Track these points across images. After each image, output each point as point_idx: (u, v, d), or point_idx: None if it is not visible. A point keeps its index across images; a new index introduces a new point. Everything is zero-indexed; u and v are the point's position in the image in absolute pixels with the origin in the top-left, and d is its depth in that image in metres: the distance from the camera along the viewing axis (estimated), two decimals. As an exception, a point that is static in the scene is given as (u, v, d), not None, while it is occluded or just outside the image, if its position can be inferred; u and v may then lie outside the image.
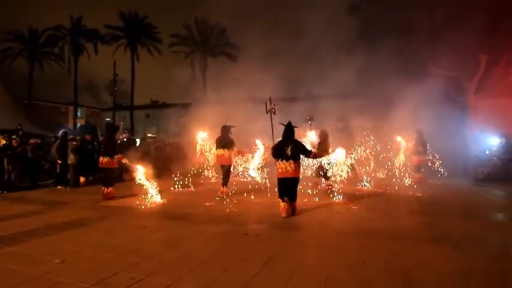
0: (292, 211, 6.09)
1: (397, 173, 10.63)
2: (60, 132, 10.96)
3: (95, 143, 12.39)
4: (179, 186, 9.61)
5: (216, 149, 8.55)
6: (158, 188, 7.92)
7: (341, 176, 8.65)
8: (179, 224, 5.69)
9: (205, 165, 10.62)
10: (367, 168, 10.62)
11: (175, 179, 9.68)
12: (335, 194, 7.50)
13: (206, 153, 9.71)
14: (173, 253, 4.08)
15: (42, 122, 19.38)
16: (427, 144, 10.37)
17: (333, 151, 7.73)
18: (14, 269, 3.63)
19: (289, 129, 6.40)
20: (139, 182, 7.83)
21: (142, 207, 7.15)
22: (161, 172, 11.01)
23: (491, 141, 11.47)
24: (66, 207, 7.22)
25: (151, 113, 44.15)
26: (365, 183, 9.35)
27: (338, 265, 3.67)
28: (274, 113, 7.02)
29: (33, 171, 10.77)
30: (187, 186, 9.70)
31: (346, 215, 6.13)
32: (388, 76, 11.65)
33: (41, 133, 15.25)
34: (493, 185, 9.90)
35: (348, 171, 8.64)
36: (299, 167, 6.26)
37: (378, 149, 10.65)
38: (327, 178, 8.85)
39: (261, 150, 9.13)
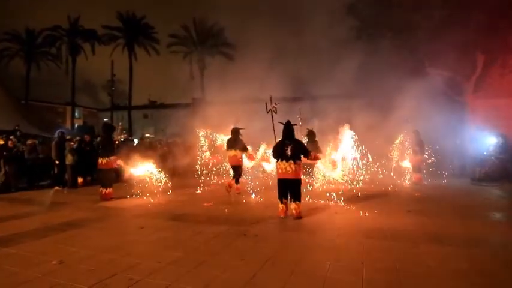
0: (297, 213, 5.85)
1: (394, 173, 10.68)
2: (57, 132, 10.89)
3: (93, 143, 12.33)
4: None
5: (228, 150, 8.87)
6: (158, 189, 7.93)
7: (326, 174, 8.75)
8: (178, 224, 5.67)
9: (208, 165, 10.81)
10: (363, 167, 10.60)
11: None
12: (331, 193, 7.49)
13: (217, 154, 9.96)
14: (172, 254, 4.06)
15: (39, 122, 19.28)
16: (424, 144, 10.40)
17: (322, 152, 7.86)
18: (11, 270, 3.61)
19: (288, 129, 6.23)
20: (138, 182, 7.83)
21: (141, 207, 7.13)
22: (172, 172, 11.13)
23: (489, 141, 11.49)
24: (64, 208, 7.19)
25: (149, 113, 44.07)
26: (354, 181, 9.28)
27: (337, 265, 3.67)
28: (276, 112, 6.97)
29: (30, 172, 10.72)
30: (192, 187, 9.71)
31: (345, 215, 6.13)
32: (385, 76, 11.67)
33: (39, 134, 15.17)
34: (491, 185, 9.92)
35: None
36: (300, 168, 6.08)
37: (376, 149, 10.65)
38: (310, 176, 8.95)
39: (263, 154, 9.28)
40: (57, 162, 10.37)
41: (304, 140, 8.80)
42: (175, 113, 39.74)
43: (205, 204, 7.42)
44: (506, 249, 4.29)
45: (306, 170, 9.14)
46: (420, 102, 10.35)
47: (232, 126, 9.01)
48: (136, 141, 18.33)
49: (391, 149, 10.93)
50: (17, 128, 13.39)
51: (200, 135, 10.07)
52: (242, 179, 9.86)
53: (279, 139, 6.43)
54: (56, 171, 10.70)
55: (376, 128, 10.88)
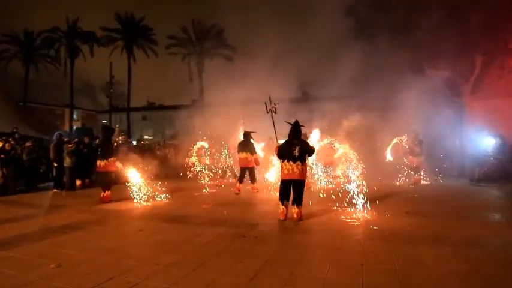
0: (299, 217, 5.76)
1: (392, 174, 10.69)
2: (55, 134, 10.86)
3: (93, 145, 12.30)
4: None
5: (239, 153, 9.21)
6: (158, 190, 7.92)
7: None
8: (176, 226, 5.65)
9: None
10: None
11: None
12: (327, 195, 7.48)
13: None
14: (170, 256, 4.04)
15: (37, 124, 19.25)
16: (423, 145, 10.41)
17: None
18: (8, 273, 3.58)
19: (296, 129, 6.07)
20: (136, 184, 7.81)
21: (139, 209, 7.11)
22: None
23: (487, 142, 11.51)
24: (62, 210, 7.15)
25: (148, 115, 44.08)
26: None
27: (336, 267, 3.66)
28: (275, 112, 6.93)
29: (28, 175, 10.68)
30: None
31: (343, 216, 6.11)
32: (384, 77, 11.69)
33: (37, 136, 15.14)
34: (490, 185, 9.93)
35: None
36: (306, 169, 5.99)
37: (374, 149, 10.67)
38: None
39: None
40: (55, 164, 10.34)
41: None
42: (174, 115, 39.87)
43: (204, 206, 7.41)
44: (505, 249, 4.28)
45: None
46: (419, 103, 10.36)
47: (244, 130, 9.49)
48: (134, 143, 18.31)
49: (388, 149, 10.93)
50: (15, 130, 13.35)
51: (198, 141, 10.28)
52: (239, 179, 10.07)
53: (282, 139, 6.34)
54: (54, 174, 10.67)
55: (375, 128, 10.89)
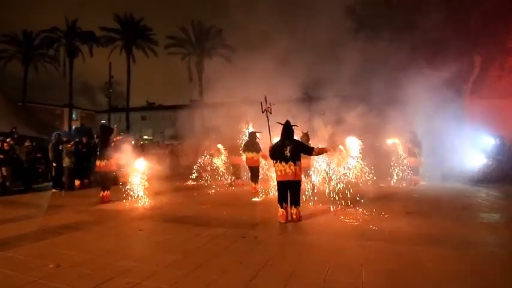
0: (297, 217, 5.73)
1: (392, 174, 10.67)
2: (54, 134, 10.83)
3: (92, 145, 12.28)
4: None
5: (246, 152, 9.51)
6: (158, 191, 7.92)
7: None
8: (176, 227, 5.64)
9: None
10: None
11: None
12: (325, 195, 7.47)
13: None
14: (170, 256, 4.04)
15: (37, 124, 19.22)
16: (422, 145, 10.40)
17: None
18: (7, 274, 3.57)
19: (287, 129, 6.01)
20: (135, 185, 7.79)
21: (139, 210, 7.10)
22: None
23: (487, 142, 11.52)
24: (61, 210, 7.14)
25: (147, 115, 44.09)
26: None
27: (336, 267, 3.65)
28: (271, 113, 6.91)
29: (27, 175, 10.66)
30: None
31: (343, 217, 6.11)
32: (383, 77, 11.69)
33: (36, 136, 15.11)
34: (489, 186, 9.93)
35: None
36: (300, 169, 5.88)
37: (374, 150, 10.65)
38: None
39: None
40: (54, 164, 10.31)
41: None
42: (174, 115, 39.87)
43: (204, 207, 7.40)
44: (504, 250, 4.28)
45: (307, 172, 9.18)
46: (418, 103, 10.36)
47: (249, 130, 9.72)
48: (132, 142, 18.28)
49: (387, 149, 10.93)
50: (14, 130, 13.32)
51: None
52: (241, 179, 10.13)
53: (277, 139, 6.24)
54: (53, 174, 10.65)
55: (375, 129, 10.88)
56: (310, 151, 6.07)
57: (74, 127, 35.84)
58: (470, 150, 11.41)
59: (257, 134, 9.48)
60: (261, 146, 9.53)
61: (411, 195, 8.61)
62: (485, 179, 10.62)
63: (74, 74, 36.25)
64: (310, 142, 9.10)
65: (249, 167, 9.72)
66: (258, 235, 4.96)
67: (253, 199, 8.30)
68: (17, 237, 4.96)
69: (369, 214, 6.23)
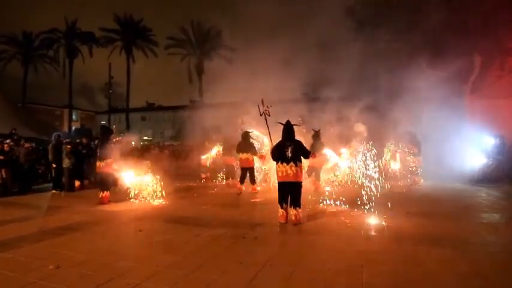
0: (297, 219, 5.61)
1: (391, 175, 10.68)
2: (54, 135, 10.82)
3: (91, 146, 12.27)
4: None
5: (240, 153, 9.26)
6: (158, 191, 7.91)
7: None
8: (176, 227, 5.63)
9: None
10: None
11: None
12: (327, 196, 7.45)
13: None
14: (170, 257, 4.03)
15: (36, 125, 19.23)
16: (421, 145, 10.41)
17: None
18: (7, 275, 3.56)
19: (288, 129, 5.95)
20: (135, 185, 7.80)
21: (139, 210, 7.10)
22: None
23: (487, 142, 11.51)
24: (61, 211, 7.13)
25: (147, 115, 44.09)
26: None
27: (336, 268, 3.65)
28: (269, 115, 6.90)
29: (27, 176, 10.64)
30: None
31: (343, 218, 6.10)
32: (383, 77, 11.68)
33: (36, 137, 15.11)
34: (489, 186, 9.93)
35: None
36: (301, 170, 5.81)
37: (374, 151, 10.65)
38: (318, 179, 9.01)
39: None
40: (54, 165, 10.30)
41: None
42: (174, 116, 39.88)
43: (204, 207, 7.39)
44: (505, 250, 4.28)
45: (311, 173, 9.16)
46: (418, 103, 10.36)
47: (244, 131, 9.48)
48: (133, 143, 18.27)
49: (387, 150, 10.94)
50: (13, 131, 13.31)
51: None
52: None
53: (278, 140, 6.19)
54: (53, 175, 10.64)
55: (374, 130, 10.88)
56: (307, 154, 6.00)
57: (73, 128, 35.84)
58: (471, 150, 11.40)
59: (257, 134, 9.41)
60: (258, 147, 9.53)
61: (411, 195, 8.60)
62: (486, 178, 10.61)
63: (74, 74, 36.34)
64: (322, 141, 9.07)
65: (242, 168, 9.39)
66: (258, 235, 4.96)
67: (252, 199, 8.32)
68: (17, 238, 4.95)
69: (369, 214, 6.23)
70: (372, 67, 11.83)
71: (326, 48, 11.77)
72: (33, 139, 13.83)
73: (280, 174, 5.79)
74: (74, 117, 40.78)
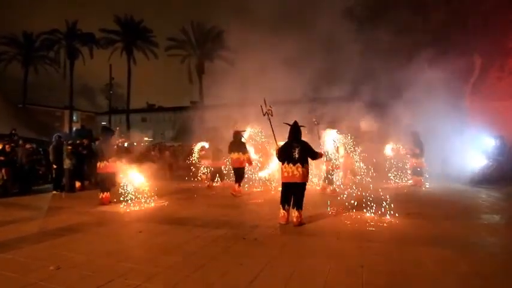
0: (299, 221, 5.58)
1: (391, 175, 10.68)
2: (54, 136, 10.82)
3: (92, 147, 12.26)
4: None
5: (231, 153, 9.02)
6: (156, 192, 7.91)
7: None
8: (176, 228, 5.63)
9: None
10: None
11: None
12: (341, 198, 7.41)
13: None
14: (170, 258, 4.03)
15: (37, 126, 19.21)
16: (424, 146, 10.40)
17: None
18: (8, 276, 3.57)
19: (295, 130, 5.91)
20: (135, 186, 7.80)
21: (139, 211, 7.10)
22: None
23: (487, 143, 11.51)
24: (61, 212, 7.14)
25: (148, 116, 44.11)
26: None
27: (336, 269, 3.65)
28: (272, 115, 6.89)
29: (27, 176, 10.65)
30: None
31: (344, 219, 6.10)
32: (384, 78, 11.68)
33: (36, 137, 15.11)
34: (489, 187, 9.92)
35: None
36: (308, 172, 5.76)
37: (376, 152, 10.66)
38: (331, 183, 8.87)
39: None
40: (54, 166, 10.31)
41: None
42: (174, 117, 39.91)
43: (204, 208, 7.39)
44: (504, 251, 4.28)
45: (327, 177, 9.01)
46: (418, 104, 10.37)
47: (234, 130, 9.22)
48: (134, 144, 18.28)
49: (389, 151, 10.93)
50: (13, 132, 13.31)
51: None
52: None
53: (284, 141, 6.15)
54: (53, 176, 10.64)
55: (374, 130, 10.88)
56: (315, 155, 5.94)
57: (74, 129, 35.84)
58: (471, 151, 11.41)
59: (255, 133, 9.33)
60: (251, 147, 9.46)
61: (412, 196, 8.60)
62: (486, 179, 10.61)
63: (74, 75, 36.36)
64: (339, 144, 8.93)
65: (233, 168, 9.21)
66: (258, 236, 4.96)
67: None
68: (17, 239, 4.96)
69: (369, 215, 6.23)
70: (372, 67, 11.84)
71: (329, 49, 11.77)
72: (34, 140, 13.83)
73: (285, 174, 5.74)
74: (74, 118, 40.81)
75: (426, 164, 10.55)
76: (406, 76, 10.99)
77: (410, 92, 10.58)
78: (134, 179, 7.95)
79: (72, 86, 36.16)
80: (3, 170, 9.75)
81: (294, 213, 5.67)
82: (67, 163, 10.28)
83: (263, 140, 9.88)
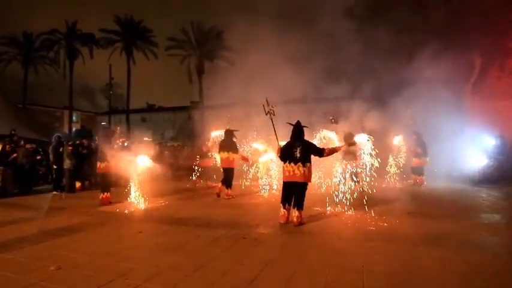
0: (299, 221, 5.57)
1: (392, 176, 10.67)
2: (54, 136, 10.82)
3: (92, 147, 12.25)
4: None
5: (220, 152, 8.72)
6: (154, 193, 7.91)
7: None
8: (176, 228, 5.63)
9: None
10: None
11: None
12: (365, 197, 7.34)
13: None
14: (170, 258, 4.03)
15: (37, 126, 19.21)
16: (426, 146, 10.40)
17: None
18: (8, 276, 3.57)
19: (298, 129, 5.92)
20: (135, 186, 7.80)
21: (139, 211, 7.10)
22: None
23: (487, 143, 11.52)
24: (62, 213, 7.14)
25: (148, 116, 44.13)
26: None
27: (337, 269, 3.65)
28: (274, 115, 6.89)
29: (27, 177, 10.65)
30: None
31: (344, 218, 6.11)
32: (384, 78, 11.69)
33: (36, 138, 15.10)
34: (490, 186, 9.93)
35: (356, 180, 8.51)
36: (309, 171, 5.76)
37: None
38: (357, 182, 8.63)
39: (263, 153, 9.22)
40: (55, 166, 10.30)
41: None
42: (174, 117, 39.95)
43: (204, 208, 7.39)
44: (505, 251, 4.28)
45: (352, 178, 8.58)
46: (418, 104, 10.36)
47: (226, 128, 9.00)
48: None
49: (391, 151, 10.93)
50: (13, 132, 13.30)
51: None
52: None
53: (286, 141, 6.15)
54: (53, 176, 10.64)
55: (374, 130, 10.87)
56: (320, 152, 5.91)
57: (74, 129, 35.85)
58: (471, 150, 11.42)
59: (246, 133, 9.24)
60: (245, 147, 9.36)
61: (412, 195, 8.60)
62: (486, 179, 10.62)
63: (74, 76, 36.34)
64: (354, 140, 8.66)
65: (222, 168, 8.78)
66: (258, 236, 4.96)
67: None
68: (18, 239, 4.96)
69: (370, 215, 6.23)
70: (371, 67, 11.84)
71: (330, 49, 11.76)
72: (34, 140, 13.82)
73: (287, 174, 5.77)
74: (74, 118, 40.80)
75: (430, 163, 10.53)
76: (406, 76, 10.99)
77: (410, 92, 10.57)
78: (134, 179, 7.94)
79: (71, 86, 36.14)
80: (3, 171, 9.74)
81: (295, 213, 5.67)
82: (67, 163, 10.28)
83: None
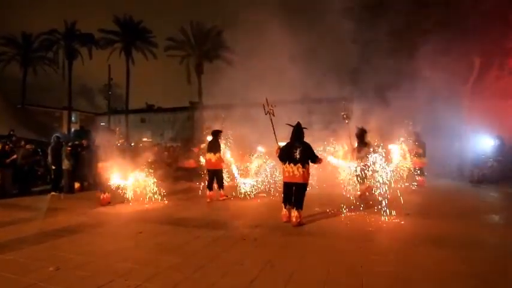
0: (298, 221, 5.59)
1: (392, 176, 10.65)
2: (53, 137, 10.78)
3: (91, 148, 12.21)
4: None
5: (206, 154, 8.56)
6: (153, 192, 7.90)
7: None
8: (175, 229, 5.62)
9: None
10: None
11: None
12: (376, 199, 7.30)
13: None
14: (170, 259, 4.02)
15: (36, 127, 19.22)
16: (426, 146, 10.39)
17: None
18: (7, 277, 3.56)
19: (298, 131, 5.98)
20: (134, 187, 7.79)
21: (138, 212, 7.09)
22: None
23: (487, 143, 11.53)
24: (61, 213, 7.12)
25: (147, 117, 44.05)
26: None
27: (336, 269, 3.65)
28: (274, 115, 6.88)
29: (26, 177, 10.61)
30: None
31: (343, 219, 6.11)
32: (383, 78, 11.70)
33: (35, 138, 15.09)
34: (489, 187, 9.94)
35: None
36: (308, 172, 5.83)
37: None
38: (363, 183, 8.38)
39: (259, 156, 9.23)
40: (53, 167, 10.27)
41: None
42: (173, 117, 39.90)
43: (204, 208, 7.38)
44: (504, 251, 4.28)
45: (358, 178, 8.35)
46: (418, 104, 10.37)
47: (214, 129, 8.83)
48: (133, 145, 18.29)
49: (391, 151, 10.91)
50: (11, 132, 13.27)
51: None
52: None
53: (285, 142, 6.17)
54: (52, 177, 10.60)
55: (375, 130, 10.87)
56: (314, 159, 5.94)
57: (73, 129, 35.79)
58: (471, 150, 11.43)
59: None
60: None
61: (412, 196, 8.59)
62: (486, 179, 10.62)
63: (73, 76, 36.28)
64: (368, 140, 8.39)
65: (207, 170, 8.54)
66: (257, 237, 4.95)
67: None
68: (17, 240, 4.94)
69: (369, 215, 6.23)
70: (371, 67, 11.86)
71: (327, 50, 11.78)
72: (33, 141, 13.80)
73: (286, 174, 5.85)
74: (73, 118, 40.71)
75: (429, 163, 10.52)
76: (405, 76, 11.00)
77: (410, 92, 10.58)
78: (134, 180, 7.93)
79: (71, 86, 36.08)
80: (2, 171, 9.70)
81: (294, 213, 5.70)
82: (66, 164, 10.24)
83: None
